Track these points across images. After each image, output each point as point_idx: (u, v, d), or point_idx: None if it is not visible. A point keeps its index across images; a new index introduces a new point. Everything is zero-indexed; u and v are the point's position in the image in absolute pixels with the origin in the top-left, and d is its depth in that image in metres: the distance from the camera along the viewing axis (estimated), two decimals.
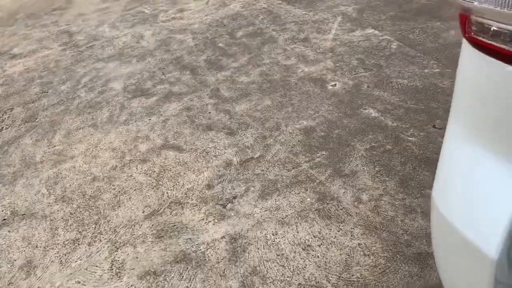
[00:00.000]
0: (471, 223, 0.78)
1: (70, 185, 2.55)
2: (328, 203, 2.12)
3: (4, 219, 2.38)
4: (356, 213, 2.04)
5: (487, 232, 0.74)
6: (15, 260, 2.12)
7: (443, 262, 0.91)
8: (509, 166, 0.74)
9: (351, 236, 1.93)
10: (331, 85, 3.05)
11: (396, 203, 2.05)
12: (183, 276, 1.88)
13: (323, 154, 2.44)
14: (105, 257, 2.04)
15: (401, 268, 1.75)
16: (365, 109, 2.74)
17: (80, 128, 3.09)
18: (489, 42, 0.71)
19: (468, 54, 0.78)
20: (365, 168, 2.28)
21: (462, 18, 0.76)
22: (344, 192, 2.16)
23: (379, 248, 1.85)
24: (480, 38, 0.72)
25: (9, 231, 2.30)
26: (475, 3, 0.67)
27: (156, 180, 2.47)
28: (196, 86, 3.34)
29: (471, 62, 0.79)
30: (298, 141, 2.58)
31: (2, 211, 2.44)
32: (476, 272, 0.75)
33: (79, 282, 1.94)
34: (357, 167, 2.31)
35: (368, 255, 1.83)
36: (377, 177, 2.21)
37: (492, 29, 0.69)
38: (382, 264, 1.78)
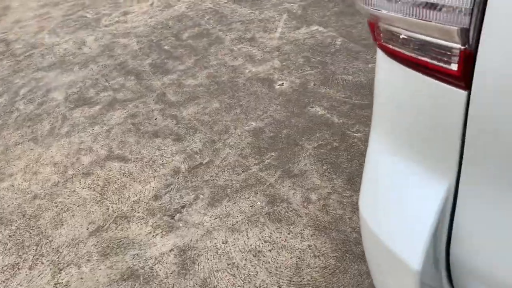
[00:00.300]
0: (394, 235, 0.76)
1: (8, 205, 2.40)
2: (278, 206, 2.09)
3: None
4: (305, 213, 2.02)
5: (409, 244, 0.72)
6: None
7: (374, 273, 0.89)
8: (426, 175, 0.73)
9: (301, 238, 1.91)
10: (278, 85, 3.04)
11: (344, 200, 2.05)
12: None
13: (272, 155, 2.41)
14: (48, 281, 1.93)
15: (350, 267, 1.75)
16: (312, 107, 2.74)
17: (19, 143, 2.92)
18: (398, 50, 0.69)
19: (382, 61, 0.77)
20: (314, 167, 2.28)
21: (371, 25, 0.74)
22: (293, 193, 2.14)
23: (329, 249, 1.84)
24: (390, 46, 0.70)
25: None
26: (383, 11, 0.65)
27: (101, 194, 2.36)
28: (141, 92, 3.24)
29: (384, 69, 0.77)
30: (247, 143, 2.54)
31: None
32: (403, 283, 0.74)
33: None
34: (305, 166, 2.30)
35: (318, 256, 1.82)
36: (325, 175, 2.21)
37: (400, 37, 0.67)
38: (332, 265, 1.77)
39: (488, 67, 0.57)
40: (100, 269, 1.95)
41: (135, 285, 1.84)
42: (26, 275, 1.98)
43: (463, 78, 0.61)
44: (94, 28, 4.55)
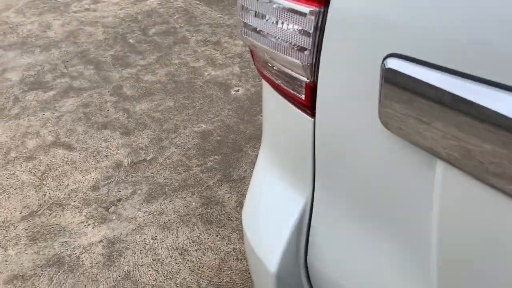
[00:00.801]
0: (261, 241, 0.84)
1: None
2: (212, 208, 2.16)
3: None
4: (237, 218, 2.10)
5: (270, 250, 0.80)
6: None
7: (252, 276, 0.97)
8: (290, 191, 0.81)
9: (228, 241, 1.98)
10: (234, 90, 3.11)
11: None
12: (53, 281, 1.83)
13: (216, 159, 2.48)
14: None
15: None
16: (262, 116, 2.82)
17: None
18: (269, 76, 0.77)
19: (264, 86, 0.85)
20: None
21: (252, 52, 0.82)
22: (229, 197, 2.21)
23: None
24: (264, 72, 0.79)
25: None
26: (255, 42, 0.73)
27: (40, 179, 2.37)
28: (98, 82, 3.24)
29: (265, 91, 0.85)
30: (194, 144, 2.60)
31: None
32: (265, 285, 0.82)
33: None
34: (245, 172, 2.37)
35: (240, 260, 1.89)
36: None
37: (269, 65, 0.75)
38: None
39: (325, 99, 0.66)
40: (27, 253, 1.96)
41: (58, 272, 1.86)
42: None
43: (310, 107, 0.69)
44: (62, 13, 4.50)
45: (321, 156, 0.70)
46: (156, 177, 2.36)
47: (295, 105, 0.72)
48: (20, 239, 2.03)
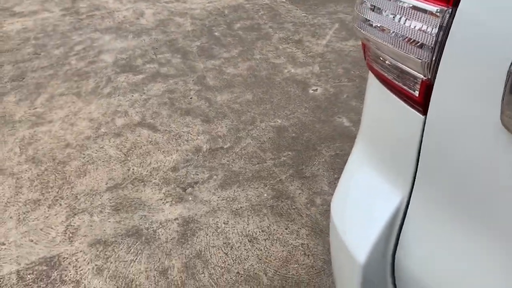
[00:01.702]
0: (350, 232, 0.86)
1: (42, 148, 2.62)
2: (282, 201, 2.20)
3: None
4: (306, 214, 2.12)
5: (360, 242, 0.82)
6: None
7: (333, 267, 0.99)
8: (386, 186, 0.82)
9: (297, 235, 2.01)
10: (312, 89, 3.12)
11: None
12: (131, 249, 1.97)
13: (289, 154, 2.52)
14: (62, 221, 2.12)
15: None
16: (339, 117, 2.82)
17: (63, 95, 3.15)
18: (380, 71, 0.78)
19: (370, 78, 0.86)
20: (325, 174, 2.36)
21: (363, 46, 0.84)
22: (300, 194, 2.24)
23: (320, 251, 1.93)
24: (374, 66, 0.80)
25: None
26: (372, 36, 0.74)
27: (125, 155, 2.54)
28: (184, 71, 3.40)
29: (371, 85, 0.87)
30: (269, 138, 2.65)
31: None
32: (351, 276, 0.83)
33: (32, 241, 2.02)
34: (318, 171, 2.39)
35: (308, 255, 1.91)
36: (334, 183, 2.30)
37: (381, 60, 0.77)
38: (319, 266, 1.87)
39: (441, 97, 0.66)
40: (109, 221, 2.12)
41: (136, 242, 2.00)
42: (44, 212, 2.18)
43: (422, 104, 0.70)
44: (155, 2, 4.76)
45: (427, 153, 0.71)
46: (232, 165, 2.44)
47: (405, 101, 0.74)
48: (105, 208, 2.19)
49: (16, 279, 1.84)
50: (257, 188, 2.29)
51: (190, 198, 2.24)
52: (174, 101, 3.02)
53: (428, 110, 0.69)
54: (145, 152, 2.56)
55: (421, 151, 0.72)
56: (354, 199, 0.89)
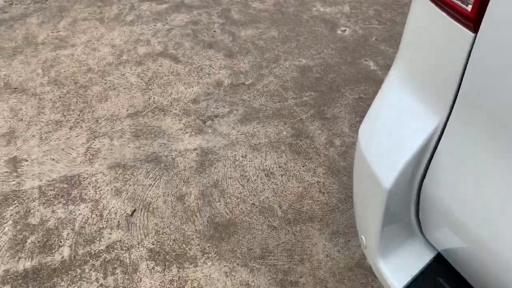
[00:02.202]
0: (378, 156, 0.84)
1: (65, 70, 2.62)
2: (301, 140, 2.18)
3: None
4: (324, 154, 2.11)
5: (387, 166, 0.80)
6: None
7: (355, 194, 0.98)
8: (422, 110, 0.78)
9: (313, 173, 2.01)
10: (341, 30, 3.01)
11: None
12: (149, 175, 2.00)
13: (312, 95, 2.47)
14: (82, 143, 2.15)
15: (349, 210, 1.85)
16: (366, 60, 2.73)
17: (86, 19, 3.10)
18: None
19: None
20: (347, 116, 2.33)
21: None
22: (319, 134, 2.22)
23: (335, 189, 1.94)
24: None
25: None
26: None
27: (147, 84, 2.53)
28: (208, 2, 3.30)
29: (416, 3, 0.81)
30: (292, 77, 2.60)
31: None
32: (374, 201, 0.82)
33: (53, 159, 2.06)
34: (339, 113, 2.35)
35: (323, 193, 1.92)
36: (355, 126, 2.26)
37: None
38: (333, 204, 1.88)
39: (497, 13, 0.61)
40: (129, 146, 2.14)
41: (155, 168, 2.03)
42: (66, 133, 2.21)
43: (474, 20, 0.65)
44: None
45: (473, 75, 0.67)
46: (252, 101, 2.42)
47: (454, 17, 0.68)
48: (125, 133, 2.21)
49: (38, 194, 1.90)
50: (276, 125, 2.27)
51: (209, 131, 2.24)
52: (197, 33, 2.95)
53: (480, 28, 0.64)
54: (166, 83, 2.54)
55: (465, 73, 0.68)
56: (386, 123, 0.86)
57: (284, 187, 1.95)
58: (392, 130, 0.83)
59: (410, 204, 0.82)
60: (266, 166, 2.05)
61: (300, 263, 1.64)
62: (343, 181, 1.98)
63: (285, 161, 2.07)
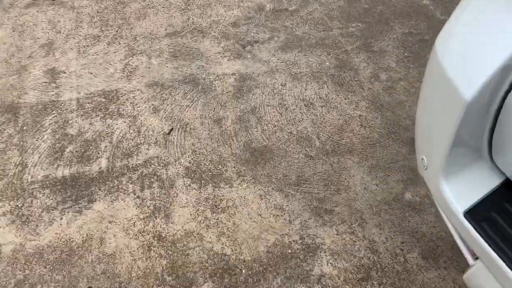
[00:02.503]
0: (458, 66, 0.76)
1: None
2: (345, 72, 2.09)
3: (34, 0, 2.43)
4: (368, 88, 2.02)
5: (469, 76, 0.72)
6: (38, 38, 2.20)
7: (421, 108, 0.91)
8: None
9: (355, 106, 1.94)
10: None
11: (412, 90, 2.01)
12: (187, 96, 1.96)
13: (358, 26, 2.33)
14: (120, 59, 2.11)
15: (391, 146, 1.79)
16: None
17: None
18: None
19: None
20: (395, 51, 2.20)
21: None
22: (364, 66, 2.12)
23: (377, 124, 1.87)
24: None
25: (37, 11, 2.36)
26: None
27: (186, 4, 2.43)
28: None
29: None
30: (339, 6, 2.45)
31: None
32: (450, 113, 0.76)
33: (91, 73, 2.04)
34: (387, 47, 2.22)
35: (364, 127, 1.86)
36: (403, 62, 2.14)
37: None
38: (374, 138, 1.82)
39: None
40: (167, 66, 2.09)
41: (192, 90, 1.98)
42: (104, 48, 2.17)
43: None
44: None
45: None
46: (295, 29, 2.30)
47: None
48: (163, 53, 2.16)
49: (76, 105, 1.90)
50: (319, 55, 2.17)
51: (248, 56, 2.16)
52: None
53: None
54: (206, 4, 2.43)
55: None
56: (472, 32, 0.77)
57: (324, 119, 1.89)
58: (478, 40, 0.74)
59: (486, 122, 0.75)
60: (306, 96, 1.98)
61: (336, 193, 1.62)
62: (386, 116, 1.90)
63: (326, 93, 1.99)
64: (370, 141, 1.81)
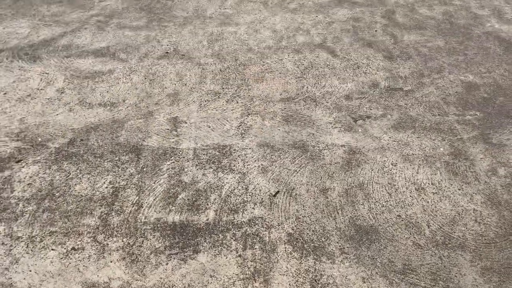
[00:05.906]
0: None
1: (227, 46, 2.74)
2: (460, 161, 2.01)
3: (167, 53, 2.68)
4: (485, 182, 1.91)
5: None
6: (166, 88, 2.41)
7: None
8: None
9: (470, 199, 1.84)
10: None
11: None
12: (295, 160, 2.00)
13: (476, 115, 2.26)
14: (236, 117, 2.23)
15: (508, 248, 1.65)
16: None
17: (251, 1, 3.21)
18: None
19: None
20: None
21: None
22: (481, 158, 2.02)
23: (494, 222, 1.75)
24: None
25: (167, 63, 2.60)
26: None
27: (302, 72, 2.53)
28: (373, 1, 3.20)
29: None
30: (456, 92, 2.41)
31: (168, 45, 2.74)
32: None
33: (209, 127, 2.17)
34: (507, 141, 2.11)
35: (479, 223, 1.75)
36: None
37: None
38: (490, 237, 1.69)
39: None
40: (279, 129, 2.17)
41: (301, 156, 2.02)
42: (223, 104, 2.31)
43: None
44: None
45: None
46: (409, 109, 2.29)
47: None
48: (276, 116, 2.24)
49: (192, 155, 2.01)
50: (433, 139, 2.12)
51: (359, 130, 2.17)
52: (357, 30, 2.89)
53: None
54: (321, 74, 2.52)
55: None
56: None
57: (435, 207, 1.81)
58: None
59: None
60: (417, 179, 1.92)
61: None
62: (504, 215, 1.77)
63: (440, 179, 1.92)
64: (485, 239, 1.69)
